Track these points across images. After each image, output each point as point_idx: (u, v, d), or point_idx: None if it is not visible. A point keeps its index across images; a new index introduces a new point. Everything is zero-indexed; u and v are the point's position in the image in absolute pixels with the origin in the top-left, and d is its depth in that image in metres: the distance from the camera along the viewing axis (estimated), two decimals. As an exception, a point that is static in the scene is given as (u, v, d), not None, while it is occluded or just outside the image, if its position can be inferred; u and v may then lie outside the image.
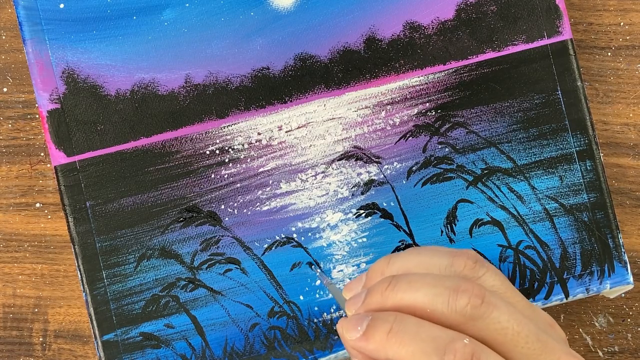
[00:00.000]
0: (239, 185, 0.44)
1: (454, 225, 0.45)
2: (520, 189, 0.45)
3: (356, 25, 0.45)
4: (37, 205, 0.47)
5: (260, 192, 0.44)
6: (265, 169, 0.45)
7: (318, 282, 0.44)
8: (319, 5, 0.45)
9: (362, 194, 0.45)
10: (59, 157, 0.44)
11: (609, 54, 0.49)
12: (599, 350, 0.48)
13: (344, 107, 0.45)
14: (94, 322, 0.43)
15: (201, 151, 0.44)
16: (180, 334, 0.44)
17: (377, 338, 0.34)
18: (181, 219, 0.44)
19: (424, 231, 0.45)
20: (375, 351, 0.35)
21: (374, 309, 0.36)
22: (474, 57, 0.45)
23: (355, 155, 0.45)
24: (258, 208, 0.44)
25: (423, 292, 0.35)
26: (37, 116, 0.47)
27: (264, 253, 0.44)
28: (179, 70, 0.44)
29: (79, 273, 0.43)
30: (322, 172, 0.45)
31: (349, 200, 0.45)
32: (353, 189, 0.45)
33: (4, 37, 0.48)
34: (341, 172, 0.45)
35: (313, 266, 0.44)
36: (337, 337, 0.44)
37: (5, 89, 0.48)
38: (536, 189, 0.45)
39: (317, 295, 0.44)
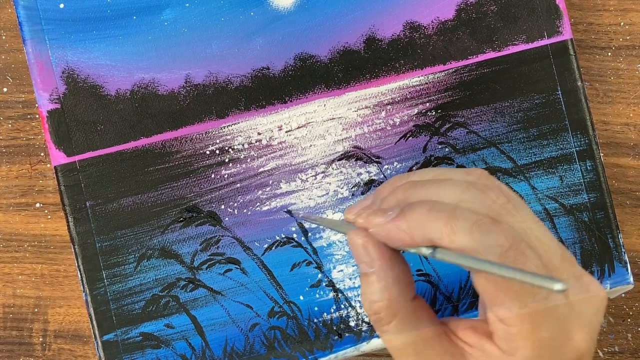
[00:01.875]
0: (239, 185, 0.44)
1: (454, 225, 0.45)
2: (520, 189, 0.45)
3: (356, 25, 0.45)
4: (37, 205, 0.47)
5: (260, 192, 0.44)
6: (265, 169, 0.45)
7: (318, 280, 0.44)
8: (319, 5, 0.45)
9: (362, 194, 0.45)
10: (59, 157, 0.44)
11: (609, 54, 0.49)
12: (599, 351, 0.48)
13: (344, 107, 0.45)
14: (94, 322, 0.43)
15: (201, 151, 0.44)
16: (180, 334, 0.44)
17: (415, 215, 0.33)
18: (181, 219, 0.44)
19: (424, 231, 0.45)
20: (408, 230, 0.33)
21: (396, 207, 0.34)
22: (474, 57, 0.45)
23: (355, 155, 0.45)
24: (258, 208, 0.44)
25: (450, 189, 0.34)
26: (37, 116, 0.47)
27: (264, 253, 0.44)
28: (179, 70, 0.44)
29: (79, 273, 0.43)
30: (322, 172, 0.45)
31: (349, 200, 0.45)
32: (353, 189, 0.45)
33: (4, 37, 0.48)
34: (341, 172, 0.45)
35: (292, 211, 0.44)
36: (337, 337, 0.44)
37: (5, 89, 0.48)
38: (536, 189, 0.45)
39: (317, 296, 0.44)
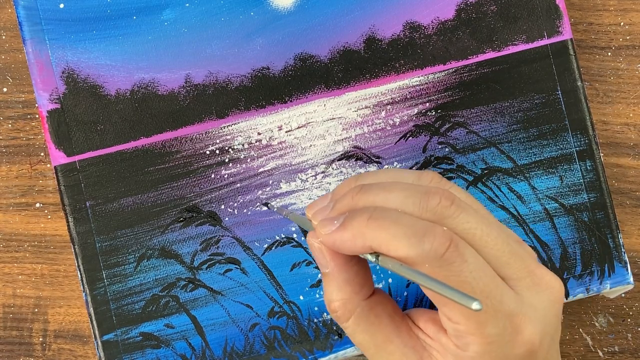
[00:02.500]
0: (239, 185, 0.44)
1: (454, 225, 0.45)
2: (520, 189, 0.45)
3: (356, 25, 0.45)
4: (37, 205, 0.47)
5: (260, 192, 0.44)
6: (265, 169, 0.45)
7: (318, 280, 0.44)
8: (319, 5, 0.45)
9: (362, 194, 0.45)
10: (59, 157, 0.44)
11: (609, 54, 0.49)
12: (599, 350, 0.48)
13: (344, 107, 0.45)
14: (94, 322, 0.43)
15: (201, 151, 0.44)
16: (180, 334, 0.44)
17: (355, 225, 0.34)
18: (181, 219, 0.44)
19: (424, 231, 0.45)
20: (351, 240, 0.34)
21: (346, 212, 0.36)
22: (474, 57, 0.45)
23: (355, 155, 0.45)
24: (258, 208, 0.44)
25: (394, 194, 0.35)
26: (37, 116, 0.47)
27: (264, 253, 0.44)
28: (179, 70, 0.44)
29: (79, 273, 0.43)
30: (322, 172, 0.45)
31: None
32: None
33: (4, 37, 0.48)
34: (341, 172, 0.45)
35: (269, 204, 0.44)
36: (337, 337, 0.44)
37: (5, 89, 0.48)
38: (536, 189, 0.45)
39: (317, 296, 0.44)
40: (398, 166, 0.45)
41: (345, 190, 0.37)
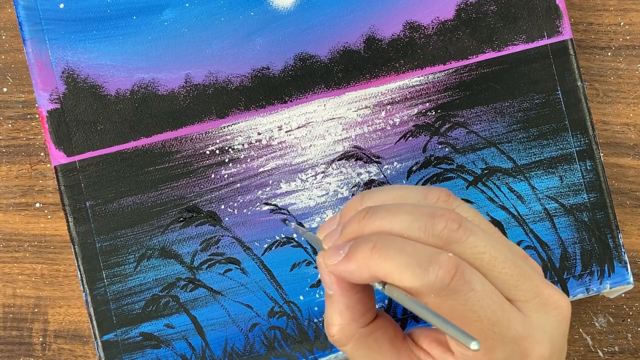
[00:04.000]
0: (239, 185, 0.44)
1: (454, 225, 0.45)
2: (520, 189, 0.45)
3: (356, 25, 0.45)
4: (37, 205, 0.47)
5: (260, 192, 0.44)
6: (265, 169, 0.45)
7: (318, 280, 0.44)
8: (319, 5, 0.45)
9: (362, 194, 0.45)
10: (59, 157, 0.44)
11: (609, 54, 0.49)
12: (599, 350, 0.48)
13: (344, 107, 0.45)
14: (94, 322, 0.43)
15: (201, 151, 0.44)
16: (180, 334, 0.44)
17: (359, 256, 0.34)
18: (181, 219, 0.44)
19: (424, 231, 0.45)
20: (357, 270, 0.34)
21: (353, 239, 0.35)
22: (474, 57, 0.45)
23: (355, 155, 0.45)
24: (258, 208, 0.44)
25: (400, 218, 0.34)
26: (37, 116, 0.47)
27: (264, 253, 0.44)
28: (179, 70, 0.44)
29: (79, 273, 0.43)
30: (322, 172, 0.45)
31: (349, 200, 0.45)
32: (353, 189, 0.45)
33: (4, 37, 0.48)
34: (341, 172, 0.45)
35: (287, 221, 0.44)
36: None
37: (5, 89, 0.48)
38: (536, 189, 0.45)
39: (317, 295, 0.44)
40: (398, 166, 0.45)
41: (352, 212, 0.37)
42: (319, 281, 0.44)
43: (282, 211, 0.44)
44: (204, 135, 0.44)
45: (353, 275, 0.34)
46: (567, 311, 0.36)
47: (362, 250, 0.34)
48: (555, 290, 0.35)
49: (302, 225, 0.44)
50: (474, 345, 0.29)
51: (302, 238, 0.44)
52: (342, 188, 0.45)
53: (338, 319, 0.36)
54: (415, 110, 0.45)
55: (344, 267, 0.34)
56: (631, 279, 0.45)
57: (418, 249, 0.33)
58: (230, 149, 0.44)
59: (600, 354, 0.48)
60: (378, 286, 0.34)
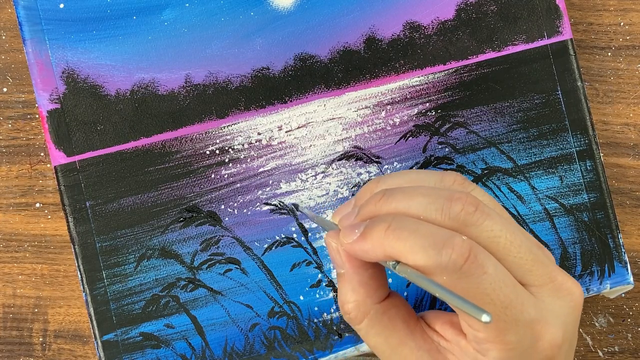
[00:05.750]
0: (239, 185, 0.44)
1: (454, 225, 0.45)
2: (520, 189, 0.45)
3: (356, 25, 0.45)
4: (37, 205, 0.47)
5: (260, 192, 0.44)
6: (265, 169, 0.45)
7: (318, 280, 0.44)
8: (319, 5, 0.45)
9: (362, 194, 0.45)
10: (59, 157, 0.44)
11: (609, 54, 0.49)
12: (599, 350, 0.48)
13: (344, 107, 0.45)
14: (94, 322, 0.43)
15: (201, 151, 0.44)
16: (180, 334, 0.44)
17: (374, 235, 0.34)
18: (181, 219, 0.44)
19: (424, 231, 0.45)
20: (372, 250, 0.34)
21: (368, 219, 0.36)
22: (474, 57, 0.45)
23: (355, 155, 0.45)
24: (258, 208, 0.44)
25: (417, 200, 0.35)
26: (37, 116, 0.47)
27: (264, 253, 0.44)
28: (179, 70, 0.44)
29: (79, 273, 0.43)
30: (322, 172, 0.45)
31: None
32: (353, 189, 0.45)
33: (4, 37, 0.48)
34: (341, 172, 0.45)
35: (298, 207, 0.44)
36: (337, 337, 0.44)
37: (5, 89, 0.48)
38: (536, 189, 0.45)
39: (317, 296, 0.44)
40: (398, 166, 0.45)
41: (368, 195, 0.37)
42: (319, 281, 0.44)
43: (283, 210, 0.44)
44: (204, 135, 0.44)
45: (367, 254, 0.35)
46: (580, 298, 0.36)
47: (377, 229, 0.34)
48: (568, 277, 0.36)
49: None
50: (485, 318, 0.29)
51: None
52: (342, 188, 0.45)
53: (352, 295, 0.37)
54: (415, 110, 0.45)
55: (359, 245, 0.35)
56: (631, 279, 0.45)
57: (433, 231, 0.33)
58: (230, 149, 0.44)
59: (600, 354, 0.48)
60: (390, 265, 0.34)
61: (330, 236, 0.37)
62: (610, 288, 0.45)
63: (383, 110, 0.45)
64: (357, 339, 0.44)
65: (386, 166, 0.45)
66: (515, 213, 0.45)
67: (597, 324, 0.48)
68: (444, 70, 0.45)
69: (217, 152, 0.44)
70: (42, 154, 0.47)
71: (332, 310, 0.44)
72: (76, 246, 0.43)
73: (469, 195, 0.34)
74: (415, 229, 0.33)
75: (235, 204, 0.44)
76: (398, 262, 0.34)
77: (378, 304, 0.37)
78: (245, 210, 0.44)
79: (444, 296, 0.31)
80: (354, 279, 0.37)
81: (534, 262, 0.35)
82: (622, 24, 0.49)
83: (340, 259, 0.37)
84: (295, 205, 0.44)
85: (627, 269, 0.45)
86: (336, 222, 0.38)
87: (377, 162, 0.45)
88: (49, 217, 0.47)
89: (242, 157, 0.44)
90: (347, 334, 0.44)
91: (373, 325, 0.37)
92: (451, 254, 0.32)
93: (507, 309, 0.33)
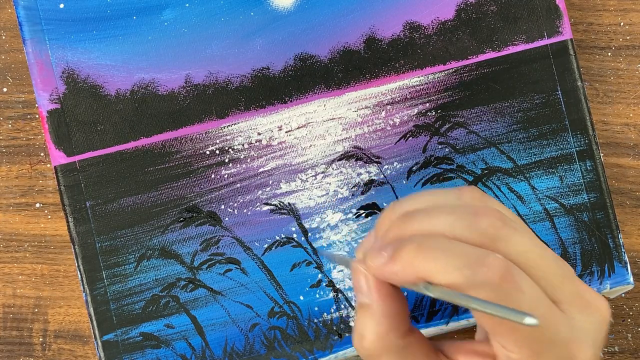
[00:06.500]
0: (239, 185, 0.44)
1: (454, 225, 0.45)
2: (520, 189, 0.45)
3: (356, 25, 0.45)
4: (37, 205, 0.47)
5: (260, 192, 0.44)
6: (265, 169, 0.45)
7: (318, 280, 0.44)
8: (319, 5, 0.45)
9: (362, 194, 0.45)
10: (59, 157, 0.44)
11: (609, 54, 0.49)
12: (599, 350, 0.48)
13: (344, 107, 0.45)
14: (94, 322, 0.43)
15: (201, 151, 0.44)
16: (180, 334, 0.44)
17: (404, 256, 0.32)
18: (181, 219, 0.44)
19: (424, 231, 0.45)
20: (402, 271, 0.32)
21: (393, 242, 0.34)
22: (474, 57, 0.45)
23: (355, 155, 0.45)
24: (258, 208, 0.44)
25: (442, 219, 0.33)
26: (37, 116, 0.47)
27: (264, 253, 0.44)
28: (179, 70, 0.44)
29: (79, 273, 0.43)
30: (322, 172, 0.45)
31: (349, 200, 0.45)
32: (353, 189, 0.45)
33: (4, 37, 0.48)
34: (341, 172, 0.45)
35: (319, 255, 0.44)
36: (337, 337, 0.44)
37: (5, 89, 0.48)
38: (536, 189, 0.45)
39: (317, 296, 0.44)
40: (398, 166, 0.45)
41: (387, 223, 0.35)
42: (319, 281, 0.44)
43: (283, 210, 0.44)
44: (204, 135, 0.44)
45: (397, 277, 0.33)
46: (608, 313, 0.35)
47: (407, 250, 0.32)
48: (594, 292, 0.34)
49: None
50: (529, 320, 0.27)
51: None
52: (342, 188, 0.45)
53: (375, 327, 0.34)
54: (415, 111, 0.45)
55: (389, 267, 0.33)
56: (631, 279, 0.45)
57: (465, 250, 0.32)
58: (230, 149, 0.44)
59: (600, 354, 0.48)
60: (422, 287, 0.32)
61: (358, 262, 0.35)
62: (610, 288, 0.45)
63: (383, 110, 0.45)
64: (357, 339, 0.44)
65: (386, 166, 0.45)
66: (515, 213, 0.45)
67: (597, 324, 0.48)
68: (444, 70, 0.45)
69: (217, 152, 0.44)
70: (42, 154, 0.47)
71: (332, 311, 0.44)
72: (76, 246, 0.43)
73: (493, 210, 0.33)
74: (446, 248, 0.32)
75: (235, 204, 0.44)
76: (429, 282, 0.32)
77: (401, 339, 0.35)
78: (245, 210, 0.44)
79: (485, 309, 0.29)
80: (379, 309, 0.34)
81: (563, 278, 0.33)
82: (622, 24, 0.49)
83: (367, 287, 0.34)
84: (318, 253, 0.44)
85: (627, 269, 0.45)
86: (359, 257, 0.36)
87: (377, 162, 0.45)
88: (49, 217, 0.47)
89: (242, 157, 0.44)
90: (347, 334, 0.44)
91: None
92: (487, 274, 0.31)
93: (545, 329, 0.32)
